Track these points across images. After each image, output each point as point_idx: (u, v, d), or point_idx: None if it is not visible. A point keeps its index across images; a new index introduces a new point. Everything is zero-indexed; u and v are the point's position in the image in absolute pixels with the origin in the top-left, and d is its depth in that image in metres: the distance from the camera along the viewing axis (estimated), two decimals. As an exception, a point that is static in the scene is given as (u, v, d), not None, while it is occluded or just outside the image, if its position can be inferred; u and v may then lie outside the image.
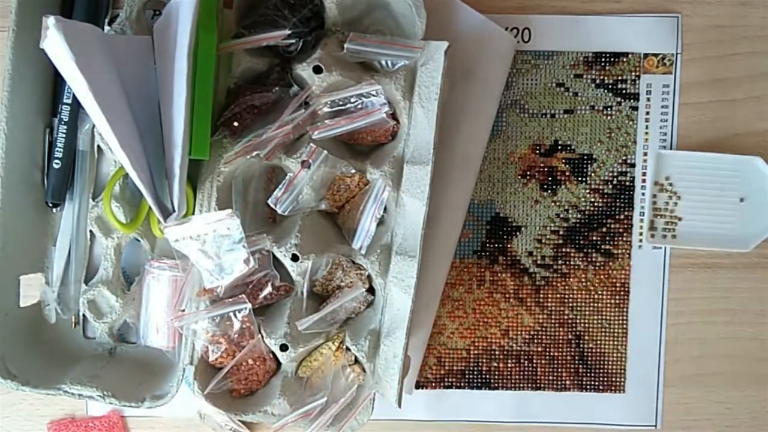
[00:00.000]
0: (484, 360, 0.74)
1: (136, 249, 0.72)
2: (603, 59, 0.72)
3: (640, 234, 0.73)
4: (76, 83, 0.57)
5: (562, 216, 0.73)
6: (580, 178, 0.73)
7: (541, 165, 0.73)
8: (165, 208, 0.64)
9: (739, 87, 0.72)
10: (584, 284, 0.73)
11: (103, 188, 0.68)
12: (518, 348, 0.74)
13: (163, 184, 0.63)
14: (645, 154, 0.72)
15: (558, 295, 0.74)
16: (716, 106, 0.72)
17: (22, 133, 0.67)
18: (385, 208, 0.67)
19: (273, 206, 0.66)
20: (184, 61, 0.60)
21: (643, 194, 0.73)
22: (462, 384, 0.74)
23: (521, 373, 0.74)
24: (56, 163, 0.68)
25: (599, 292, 0.73)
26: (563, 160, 0.73)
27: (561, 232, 0.73)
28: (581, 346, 0.74)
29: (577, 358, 0.74)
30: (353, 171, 0.66)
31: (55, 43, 0.56)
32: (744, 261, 0.73)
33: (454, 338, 0.74)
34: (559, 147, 0.73)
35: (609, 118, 0.72)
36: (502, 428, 0.75)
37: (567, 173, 0.73)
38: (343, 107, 0.66)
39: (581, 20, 0.71)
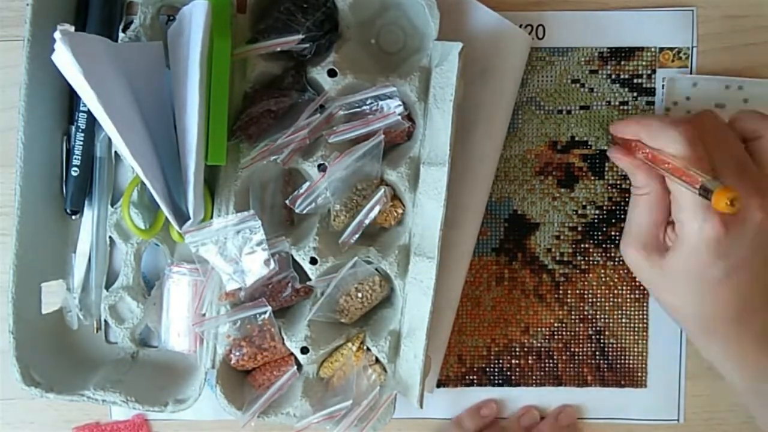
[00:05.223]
0: (504, 357, 0.74)
1: (156, 254, 0.72)
2: (618, 55, 0.71)
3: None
4: (86, 95, 0.57)
5: (580, 212, 0.73)
6: (597, 174, 0.72)
7: (558, 161, 0.72)
8: (181, 215, 0.64)
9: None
10: (604, 280, 0.73)
11: (121, 194, 0.68)
12: (539, 344, 0.74)
13: (181, 191, 0.63)
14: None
15: (577, 291, 0.73)
16: (732, 97, 0.72)
17: (39, 141, 0.67)
18: (404, 208, 0.67)
19: (290, 206, 0.66)
20: (197, 67, 0.60)
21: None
22: (483, 381, 0.74)
23: (542, 369, 0.74)
24: (74, 171, 0.68)
25: (619, 288, 0.73)
26: (580, 157, 0.72)
27: (579, 228, 0.73)
28: (602, 341, 0.74)
29: (597, 353, 0.74)
30: (374, 174, 0.66)
31: (62, 56, 0.55)
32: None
33: (474, 336, 0.74)
34: (576, 143, 0.72)
35: (625, 113, 0.72)
36: (523, 424, 0.75)
37: (584, 169, 0.72)
38: (358, 109, 0.65)
39: (595, 16, 0.71)
